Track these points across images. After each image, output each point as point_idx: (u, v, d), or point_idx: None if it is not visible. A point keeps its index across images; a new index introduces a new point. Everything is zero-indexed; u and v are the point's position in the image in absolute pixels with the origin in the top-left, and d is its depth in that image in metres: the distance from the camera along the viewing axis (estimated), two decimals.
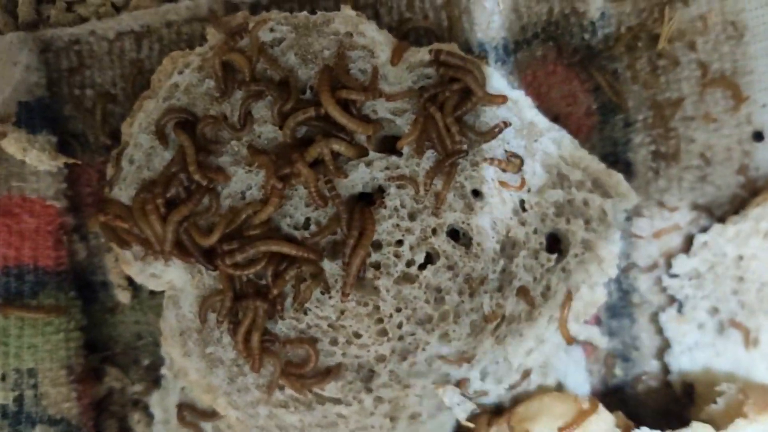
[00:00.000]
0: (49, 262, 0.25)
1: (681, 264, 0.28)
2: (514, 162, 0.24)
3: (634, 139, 0.27)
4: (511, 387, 0.25)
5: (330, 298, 0.24)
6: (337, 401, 0.24)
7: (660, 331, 0.29)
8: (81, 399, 0.25)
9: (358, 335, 0.24)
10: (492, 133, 0.24)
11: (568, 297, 0.24)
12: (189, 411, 0.27)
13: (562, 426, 0.22)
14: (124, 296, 0.27)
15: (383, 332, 0.24)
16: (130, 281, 0.27)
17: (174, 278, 0.25)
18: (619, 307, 0.29)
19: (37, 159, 0.23)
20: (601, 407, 0.23)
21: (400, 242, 0.24)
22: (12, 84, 0.23)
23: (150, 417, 0.28)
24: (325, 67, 0.23)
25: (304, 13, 0.23)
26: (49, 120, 0.25)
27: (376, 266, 0.24)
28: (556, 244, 0.26)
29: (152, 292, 0.27)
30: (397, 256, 0.24)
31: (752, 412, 0.24)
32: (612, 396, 0.28)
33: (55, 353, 0.25)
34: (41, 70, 0.26)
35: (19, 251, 0.25)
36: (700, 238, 0.27)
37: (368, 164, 0.24)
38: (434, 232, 0.24)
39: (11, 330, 0.24)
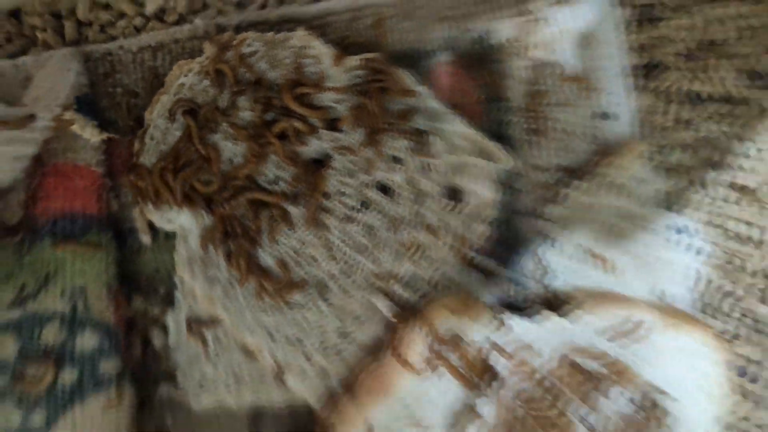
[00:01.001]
0: (93, 211, 0.34)
1: (551, 210, 0.37)
2: (422, 137, 0.34)
3: (513, 120, 0.37)
4: (424, 295, 0.34)
5: (294, 232, 0.33)
6: (300, 306, 0.34)
7: (540, 261, 0.39)
8: (116, 312, 0.35)
9: (315, 259, 0.33)
10: (405, 116, 0.33)
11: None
12: (195, 323, 0.36)
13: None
14: (146, 239, 0.36)
15: (333, 257, 0.34)
16: (151, 227, 0.36)
17: (183, 222, 0.34)
18: (510, 243, 0.39)
19: (90, 134, 0.33)
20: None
21: (343, 193, 0.34)
22: (69, 84, 0.33)
23: (166, 333, 0.38)
24: (286, 73, 0.32)
25: (271, 33, 0.33)
26: (93, 109, 0.34)
27: (327, 210, 0.33)
28: (454, 193, 0.36)
29: (167, 235, 0.37)
30: (341, 203, 0.33)
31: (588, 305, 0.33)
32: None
33: (98, 276, 0.34)
34: (84, 74, 0.35)
35: (72, 203, 0.34)
36: (563, 191, 0.37)
37: (319, 138, 0.33)
38: (367, 186, 0.34)
39: (67, 260, 0.33)
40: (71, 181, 0.33)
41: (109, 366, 0.32)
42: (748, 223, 0.37)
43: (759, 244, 0.37)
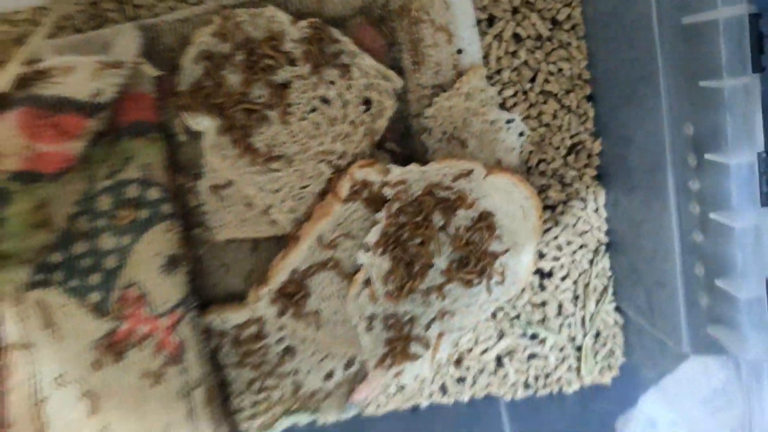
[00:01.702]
0: (152, 119, 0.55)
1: (426, 111, 0.59)
2: (347, 68, 0.56)
3: (403, 57, 0.58)
4: (349, 163, 0.57)
5: (271, 126, 0.55)
6: (277, 171, 0.55)
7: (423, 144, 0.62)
8: (169, 179, 0.56)
9: (284, 142, 0.55)
10: (336, 55, 0.55)
11: None
12: (214, 187, 0.58)
13: None
14: (182, 136, 0.58)
15: (295, 141, 0.55)
16: (186, 129, 0.59)
17: (206, 123, 0.55)
18: (402, 132, 0.61)
19: (150, 72, 0.54)
20: None
21: (299, 103, 0.55)
22: (136, 45, 0.53)
23: (197, 195, 0.60)
24: (263, 32, 0.54)
25: (253, 9, 0.55)
26: (149, 59, 0.56)
27: (289, 113, 0.54)
28: (367, 102, 0.58)
29: (195, 134, 0.58)
30: (298, 108, 0.55)
31: (439, 160, 0.55)
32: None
33: (158, 157, 0.54)
34: (141, 38, 0.56)
35: (138, 114, 0.54)
36: (434, 99, 0.59)
37: (284, 71, 0.55)
38: (313, 98, 0.55)
39: (139, 148, 0.55)
40: (138, 101, 0.55)
41: (166, 207, 0.54)
42: (553, 116, 0.59)
43: (558, 128, 0.59)
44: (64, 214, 0.52)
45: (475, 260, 0.55)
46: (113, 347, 0.53)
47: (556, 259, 0.59)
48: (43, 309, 0.52)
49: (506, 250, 0.56)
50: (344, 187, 0.52)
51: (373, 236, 0.52)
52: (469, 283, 0.55)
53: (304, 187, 0.55)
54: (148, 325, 0.53)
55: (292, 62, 0.51)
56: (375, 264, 0.53)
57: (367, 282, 0.54)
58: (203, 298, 0.57)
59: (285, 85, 0.51)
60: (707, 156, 0.40)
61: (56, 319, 0.52)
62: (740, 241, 0.39)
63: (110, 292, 0.52)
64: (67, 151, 0.49)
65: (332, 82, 0.52)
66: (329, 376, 0.60)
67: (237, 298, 0.58)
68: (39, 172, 0.49)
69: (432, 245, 0.53)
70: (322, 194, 0.53)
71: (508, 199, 0.54)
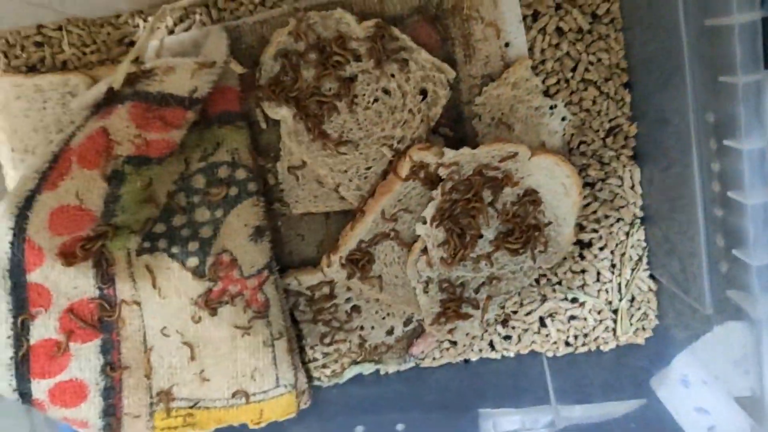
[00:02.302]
0: (237, 109, 0.62)
1: (477, 99, 0.67)
2: (405, 62, 0.64)
3: (456, 50, 0.65)
4: (408, 146, 0.65)
5: (340, 115, 0.63)
6: (345, 154, 0.63)
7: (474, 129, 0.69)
8: (253, 161, 0.64)
9: (350, 129, 0.63)
10: (396, 51, 0.62)
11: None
12: (291, 167, 0.67)
13: None
14: (263, 124, 0.67)
15: (360, 128, 0.63)
16: (266, 117, 0.67)
17: (283, 112, 0.63)
18: (455, 118, 0.68)
19: (237, 68, 0.62)
20: None
21: (363, 94, 0.62)
22: (225, 45, 0.62)
23: (276, 175, 0.69)
24: (332, 32, 0.62)
25: (323, 11, 0.62)
26: (232, 57, 0.64)
27: (356, 103, 0.62)
28: (423, 92, 0.65)
29: (275, 122, 0.66)
30: (363, 98, 0.62)
31: (486, 143, 0.63)
32: None
33: (243, 142, 0.61)
34: (227, 38, 0.64)
35: (225, 104, 0.62)
36: (483, 89, 0.66)
37: (350, 66, 0.63)
38: (376, 90, 0.63)
39: (227, 134, 0.63)
40: (225, 94, 0.63)
41: (252, 185, 0.63)
42: (593, 102, 0.65)
43: (597, 113, 0.65)
44: (165, 191, 0.62)
45: (520, 232, 0.62)
46: (209, 303, 0.62)
47: (594, 231, 0.66)
48: (150, 271, 0.62)
49: (549, 223, 0.63)
50: (404, 168, 0.60)
51: (429, 211, 0.60)
52: (514, 252, 0.63)
53: (369, 168, 0.62)
54: (238, 285, 0.62)
55: (358, 58, 0.58)
56: (431, 235, 0.61)
57: (424, 250, 0.62)
58: (282, 263, 0.66)
59: (352, 79, 0.58)
60: (725, 142, 0.46)
61: (161, 279, 0.62)
62: (753, 216, 0.45)
63: (206, 257, 0.61)
64: (171, 138, 0.58)
65: (393, 75, 0.59)
66: (390, 332, 0.68)
67: (311, 263, 0.67)
68: (148, 156, 0.58)
69: (481, 218, 0.61)
70: (384, 174, 0.60)
71: (550, 177, 0.61)
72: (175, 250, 0.61)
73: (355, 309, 0.65)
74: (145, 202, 0.60)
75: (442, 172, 0.59)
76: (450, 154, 0.58)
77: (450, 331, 0.65)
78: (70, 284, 0.60)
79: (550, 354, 0.69)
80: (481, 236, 0.61)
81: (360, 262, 0.62)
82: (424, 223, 0.60)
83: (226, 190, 0.61)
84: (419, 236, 0.61)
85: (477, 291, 0.64)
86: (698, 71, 0.48)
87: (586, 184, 0.64)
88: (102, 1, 0.62)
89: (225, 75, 0.58)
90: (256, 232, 0.61)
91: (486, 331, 0.68)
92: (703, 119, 0.49)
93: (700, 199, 0.52)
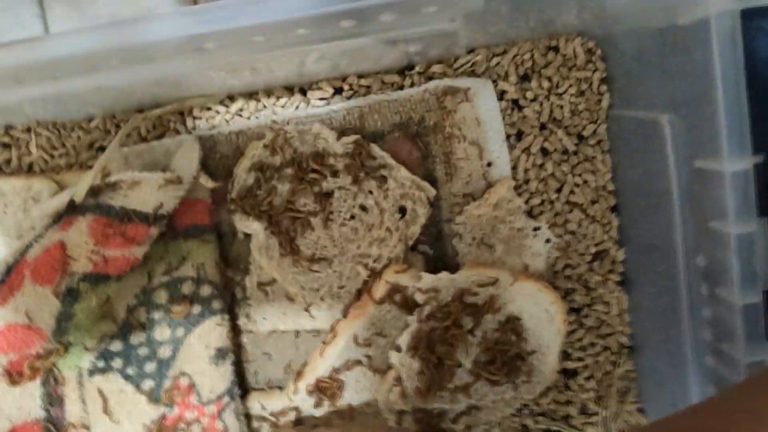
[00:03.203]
0: (206, 222, 0.61)
1: (457, 218, 0.64)
2: (384, 179, 0.61)
3: (437, 168, 0.64)
4: (384, 265, 0.61)
5: (314, 231, 0.60)
6: (318, 271, 0.60)
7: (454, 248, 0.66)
8: (221, 276, 0.62)
9: (325, 246, 0.60)
10: (375, 169, 0.60)
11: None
12: (260, 283, 0.64)
13: None
14: (233, 237, 0.65)
15: (335, 245, 0.60)
16: (234, 231, 0.65)
17: (255, 227, 0.60)
18: (435, 235, 0.66)
19: (206, 183, 0.60)
20: None
21: (340, 211, 0.60)
22: (197, 156, 0.60)
23: (244, 290, 0.65)
24: (309, 147, 0.60)
25: (302, 126, 0.60)
26: (205, 167, 0.62)
27: (331, 219, 0.60)
28: (402, 210, 0.62)
29: (246, 235, 0.64)
30: (339, 215, 0.60)
31: (467, 268, 0.59)
32: None
33: (210, 257, 0.59)
34: (201, 150, 0.62)
35: (194, 218, 0.60)
36: (464, 208, 0.64)
37: (327, 182, 0.60)
38: (353, 207, 0.61)
39: (193, 248, 0.60)
40: (194, 207, 0.60)
41: (216, 304, 0.60)
42: (579, 224, 0.63)
43: (583, 236, 0.63)
44: (124, 306, 0.58)
45: (501, 361, 0.58)
46: (163, 430, 0.57)
47: (580, 359, 0.62)
48: (102, 394, 0.57)
49: (532, 352, 0.59)
50: (379, 290, 0.57)
51: (404, 338, 0.56)
52: (495, 383, 0.58)
53: (342, 287, 0.59)
54: (195, 412, 0.57)
55: (335, 173, 0.56)
56: (405, 364, 0.57)
57: (398, 380, 0.57)
58: (246, 384, 0.61)
59: (328, 194, 0.56)
60: (717, 290, 0.43)
61: (113, 402, 0.57)
62: (747, 371, 0.42)
63: (163, 380, 0.57)
64: (132, 255, 0.55)
65: (371, 192, 0.56)
66: None
67: (278, 385, 0.62)
68: (107, 273, 0.54)
69: (460, 347, 0.57)
70: (359, 294, 0.57)
71: (534, 303, 0.58)
72: (130, 371, 0.56)
73: None
74: (102, 319, 0.56)
75: (419, 298, 0.55)
76: (428, 279, 0.55)
77: None
78: (14, 404, 0.56)
79: None
80: (459, 365, 0.57)
81: (329, 390, 0.58)
82: (399, 350, 0.56)
83: (189, 308, 0.57)
84: (393, 364, 0.57)
85: (455, 421, 0.59)
86: (688, 211, 0.46)
87: (571, 310, 0.61)
88: (74, 105, 0.60)
89: (196, 188, 0.55)
90: (217, 354, 0.57)
91: None
92: (694, 262, 0.46)
93: (689, 333, 0.48)
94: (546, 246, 0.60)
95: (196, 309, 0.56)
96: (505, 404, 0.60)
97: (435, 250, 0.58)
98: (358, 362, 0.58)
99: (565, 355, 0.62)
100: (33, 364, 0.54)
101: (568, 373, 0.62)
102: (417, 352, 0.56)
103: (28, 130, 0.62)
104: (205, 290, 0.56)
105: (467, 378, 0.58)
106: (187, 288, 0.56)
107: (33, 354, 0.54)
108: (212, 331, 0.56)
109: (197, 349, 0.57)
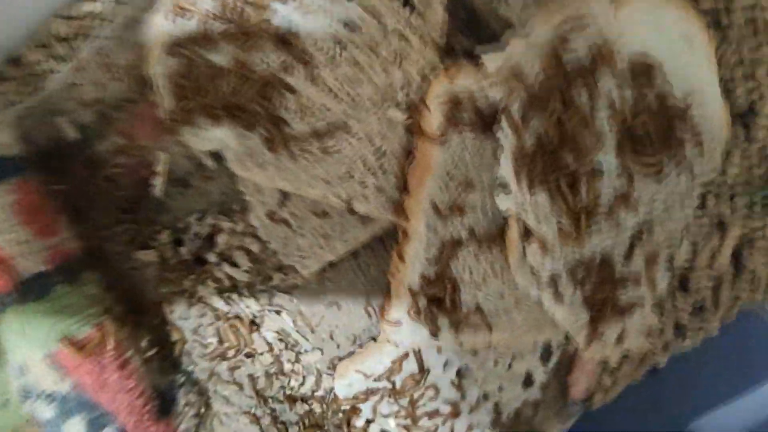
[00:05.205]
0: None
1: None
2: None
3: None
4: (419, 87, 0.40)
5: (299, 95, 0.39)
6: (336, 149, 0.39)
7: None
8: None
9: (326, 107, 0.39)
10: None
11: None
12: (271, 212, 0.43)
13: None
14: (160, 188, 0.43)
15: (338, 98, 0.38)
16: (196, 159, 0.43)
17: (218, 134, 0.37)
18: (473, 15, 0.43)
19: None
20: None
21: (315, 43, 0.38)
22: None
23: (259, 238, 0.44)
24: None
25: None
26: None
27: (314, 65, 0.39)
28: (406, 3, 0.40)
29: (216, 157, 0.41)
30: (320, 51, 0.39)
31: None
32: None
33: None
34: None
35: None
36: None
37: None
38: (331, 26, 0.39)
39: None
40: None
41: None
42: None
43: None
44: None
45: (653, 134, 0.36)
46: None
47: (751, 89, 0.40)
48: None
49: (686, 104, 0.37)
50: (433, 120, 0.35)
51: (506, 168, 0.35)
52: (656, 169, 0.37)
53: (381, 152, 0.38)
54: None
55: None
56: (526, 202, 0.35)
57: (527, 233, 0.36)
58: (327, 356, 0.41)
59: (292, 33, 0.35)
60: None
61: None
62: None
63: None
64: None
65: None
66: (528, 381, 0.42)
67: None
68: None
69: (588, 140, 0.36)
70: (407, 151, 0.35)
71: (657, 29, 0.36)
72: None
73: (462, 374, 0.40)
74: None
75: (495, 95, 0.34)
76: (494, 62, 0.34)
77: (618, 340, 0.39)
78: None
79: None
80: (600, 171, 0.36)
81: (442, 299, 0.37)
82: (507, 189, 0.35)
83: None
84: (509, 215, 0.36)
85: (628, 259, 0.38)
86: None
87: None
88: None
89: None
90: None
91: (662, 312, 0.42)
92: None
93: None
94: None
95: None
96: (682, 199, 0.39)
97: (478, 36, 0.37)
98: (458, 243, 0.37)
99: (727, 91, 0.41)
100: None
101: (744, 116, 0.41)
102: (533, 179, 0.35)
103: None
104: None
105: (618, 183, 0.37)
106: None
107: None
108: None
109: None
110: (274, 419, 0.41)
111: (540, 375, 0.43)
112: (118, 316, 0.37)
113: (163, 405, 0.37)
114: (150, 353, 0.38)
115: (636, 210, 0.38)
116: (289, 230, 0.41)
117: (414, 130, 0.37)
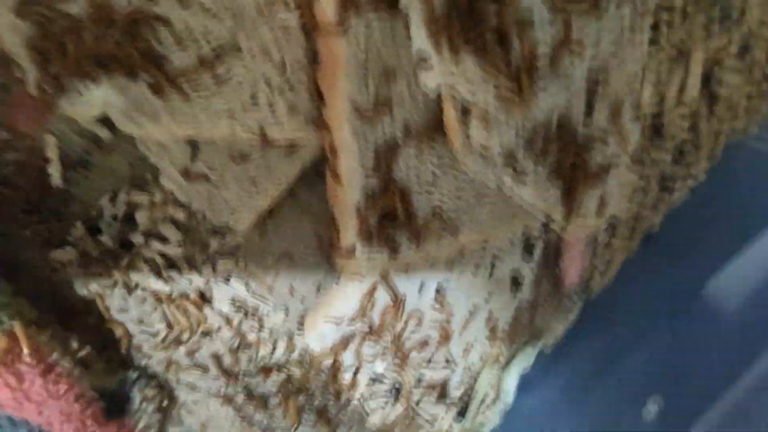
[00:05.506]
0: None
1: None
2: None
3: None
4: None
5: (169, 24, 0.34)
6: (228, 76, 0.35)
7: None
8: None
9: (200, 20, 0.34)
10: None
11: None
12: (185, 170, 0.38)
13: None
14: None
15: (205, 7, 0.35)
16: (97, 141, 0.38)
17: (100, 93, 0.33)
18: None
19: None
20: None
21: None
22: None
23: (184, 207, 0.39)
24: None
25: None
26: None
27: None
28: None
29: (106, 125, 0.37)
30: None
31: None
32: None
33: None
34: None
35: None
36: None
37: None
38: None
39: None
40: None
41: None
42: None
43: None
44: None
45: None
46: None
47: None
48: None
49: None
50: (328, 11, 0.30)
51: (419, 36, 0.30)
52: (591, 2, 0.32)
53: (281, 65, 0.33)
54: None
55: None
56: (455, 73, 0.30)
57: (465, 111, 0.31)
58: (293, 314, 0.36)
59: None
60: None
61: None
62: None
63: None
64: None
65: None
66: (516, 283, 0.38)
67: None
68: None
69: None
70: (311, 52, 0.30)
71: None
72: None
73: (442, 293, 0.35)
74: None
75: None
76: None
77: (600, 207, 0.34)
78: None
79: None
80: (530, 20, 0.31)
81: (391, 215, 0.32)
82: (428, 63, 0.30)
83: None
84: (440, 93, 0.31)
85: (589, 117, 0.33)
86: None
87: None
88: None
89: None
90: None
91: (642, 168, 0.38)
92: None
93: None
94: None
95: None
96: (632, 35, 0.35)
97: None
98: (395, 144, 0.32)
99: None
100: None
101: None
102: (454, 42, 0.30)
103: None
104: None
105: (554, 28, 0.32)
106: None
107: None
108: None
109: None
110: (249, 395, 0.37)
111: (527, 273, 0.39)
112: (34, 321, 0.32)
113: (114, 405, 0.33)
114: (82, 354, 0.33)
115: (581, 56, 0.33)
116: (210, 185, 0.36)
117: (312, 28, 0.32)
